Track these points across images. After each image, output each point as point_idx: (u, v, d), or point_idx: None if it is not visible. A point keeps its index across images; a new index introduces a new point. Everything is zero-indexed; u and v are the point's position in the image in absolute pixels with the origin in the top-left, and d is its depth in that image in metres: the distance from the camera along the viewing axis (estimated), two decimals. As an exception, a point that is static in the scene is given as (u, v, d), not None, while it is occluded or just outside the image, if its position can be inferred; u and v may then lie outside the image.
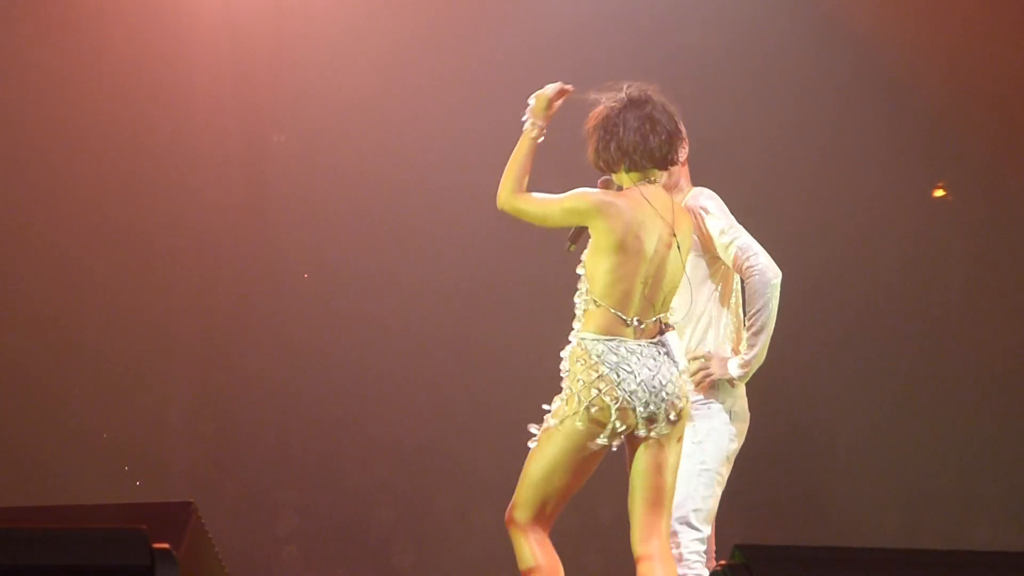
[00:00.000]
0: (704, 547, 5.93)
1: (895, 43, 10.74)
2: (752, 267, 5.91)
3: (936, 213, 11.12)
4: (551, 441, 5.59)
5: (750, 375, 5.99)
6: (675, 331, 5.71)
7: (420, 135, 10.66)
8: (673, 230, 5.65)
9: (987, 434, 10.82)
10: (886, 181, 10.87)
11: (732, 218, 6.01)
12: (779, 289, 5.93)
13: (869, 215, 10.90)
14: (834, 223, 10.85)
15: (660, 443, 5.61)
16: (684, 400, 5.62)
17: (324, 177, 10.77)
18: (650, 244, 5.61)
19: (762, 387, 6.29)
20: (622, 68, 5.94)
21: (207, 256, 10.74)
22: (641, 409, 5.54)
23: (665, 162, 5.74)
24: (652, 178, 5.72)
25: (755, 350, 5.93)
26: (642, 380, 5.55)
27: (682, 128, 5.84)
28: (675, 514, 5.88)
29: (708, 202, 6.05)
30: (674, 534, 5.88)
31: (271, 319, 10.86)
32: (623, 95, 5.76)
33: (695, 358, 5.99)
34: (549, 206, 5.70)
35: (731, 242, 5.95)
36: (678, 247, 5.65)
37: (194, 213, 10.69)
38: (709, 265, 6.05)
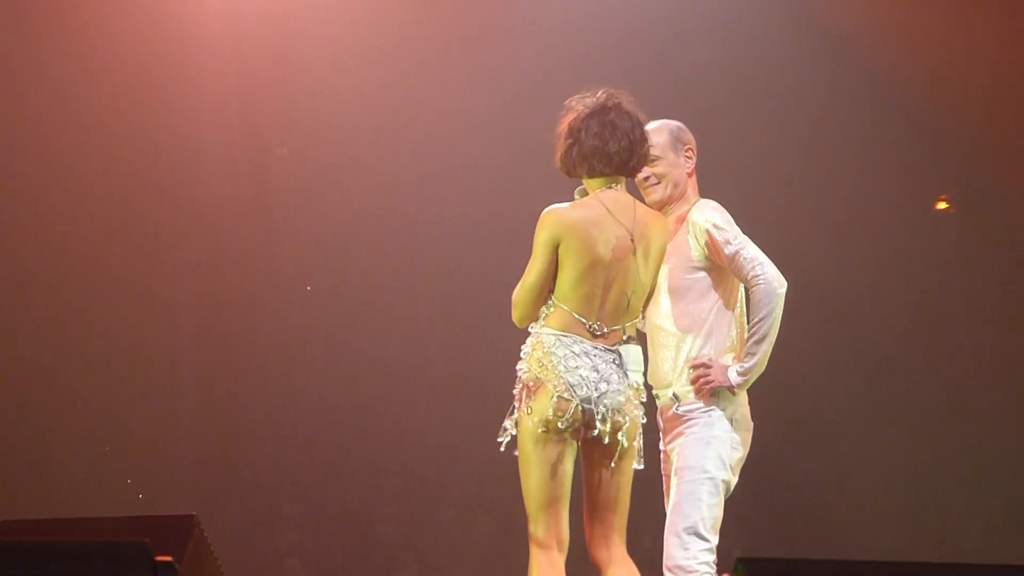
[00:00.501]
0: (713, 556, 5.92)
1: (896, 50, 10.75)
2: (757, 276, 5.92)
3: (938, 222, 11.12)
4: (519, 443, 5.70)
5: (749, 383, 6.00)
6: (637, 345, 5.75)
7: (424, 141, 10.66)
8: (632, 235, 5.67)
9: (991, 445, 10.80)
10: (887, 188, 10.88)
11: (737, 229, 6.02)
12: (784, 299, 5.94)
13: (873, 223, 10.90)
14: (838, 231, 10.84)
15: (606, 456, 5.65)
16: (627, 416, 5.65)
17: (329, 185, 10.77)
18: (605, 249, 5.64)
19: (764, 396, 6.30)
20: (622, 75, 5.94)
21: (211, 268, 10.74)
22: (577, 402, 5.57)
23: (625, 168, 5.77)
24: (614, 184, 5.74)
25: (755, 359, 5.93)
26: (585, 377, 5.59)
27: (648, 135, 5.84)
28: (683, 524, 5.88)
29: (713, 214, 6.05)
30: (684, 545, 5.88)
31: (275, 332, 10.85)
32: (591, 100, 5.78)
33: (695, 365, 6.00)
34: (533, 260, 5.75)
35: (737, 253, 5.96)
36: (641, 252, 5.67)
37: (198, 223, 10.69)
38: (712, 275, 6.06)
